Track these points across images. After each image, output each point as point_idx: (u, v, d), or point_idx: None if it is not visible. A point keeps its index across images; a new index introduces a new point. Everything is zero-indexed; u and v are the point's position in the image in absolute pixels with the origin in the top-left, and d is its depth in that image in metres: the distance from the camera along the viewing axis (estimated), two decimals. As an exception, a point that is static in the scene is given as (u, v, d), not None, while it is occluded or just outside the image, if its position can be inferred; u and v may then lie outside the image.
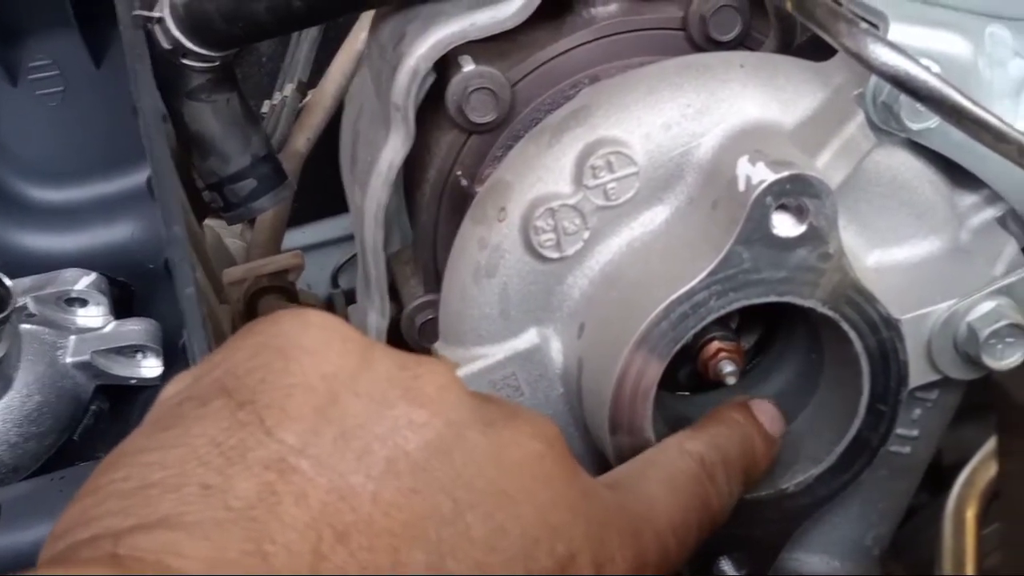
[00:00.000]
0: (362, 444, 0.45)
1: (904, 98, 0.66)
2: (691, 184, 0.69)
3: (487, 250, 0.70)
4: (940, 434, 0.76)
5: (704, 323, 0.66)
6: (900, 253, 0.71)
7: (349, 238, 1.50)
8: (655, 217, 0.70)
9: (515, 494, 0.48)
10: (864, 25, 0.63)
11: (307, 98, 1.40)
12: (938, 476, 0.79)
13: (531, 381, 0.72)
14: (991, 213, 0.72)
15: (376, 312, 0.83)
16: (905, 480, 0.76)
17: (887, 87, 0.66)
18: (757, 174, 0.64)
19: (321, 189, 1.27)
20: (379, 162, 0.79)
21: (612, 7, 0.80)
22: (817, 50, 0.72)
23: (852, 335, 0.67)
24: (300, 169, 1.41)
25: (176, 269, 0.85)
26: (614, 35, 0.79)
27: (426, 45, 0.75)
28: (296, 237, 1.57)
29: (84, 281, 1.00)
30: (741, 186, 0.65)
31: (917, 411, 0.74)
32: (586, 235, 0.69)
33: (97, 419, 1.02)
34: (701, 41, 0.78)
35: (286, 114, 1.37)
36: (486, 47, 0.78)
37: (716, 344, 0.70)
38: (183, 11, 0.84)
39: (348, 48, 1.35)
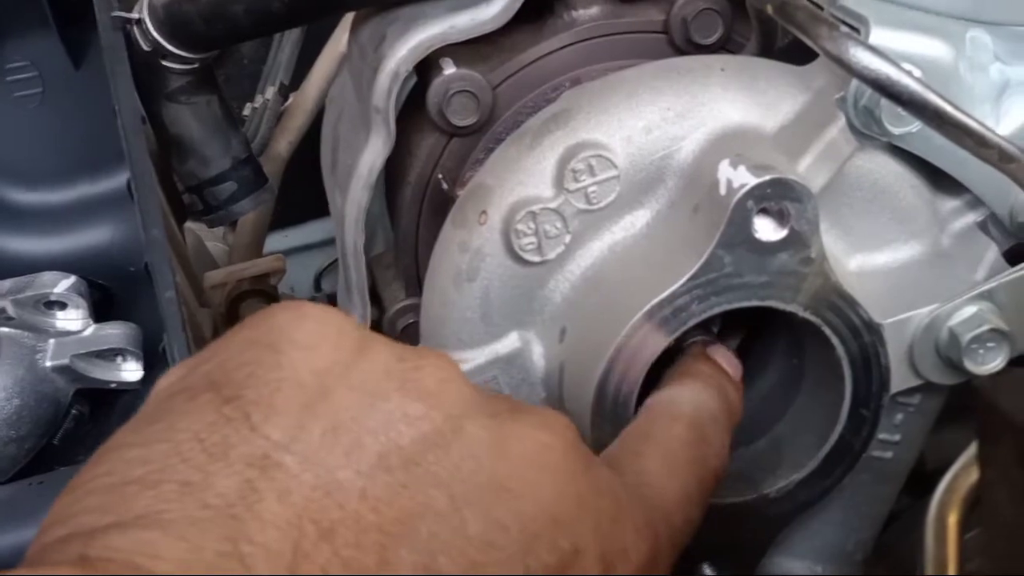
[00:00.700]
0: (352, 438, 0.44)
1: (885, 102, 0.66)
2: (672, 188, 0.69)
3: (468, 254, 0.70)
4: (922, 439, 0.76)
5: (685, 327, 0.66)
6: (882, 257, 0.71)
7: (332, 241, 1.49)
8: (636, 221, 0.70)
9: (516, 488, 0.46)
10: (845, 29, 0.63)
11: (289, 101, 1.40)
12: (921, 480, 0.79)
13: (513, 385, 0.71)
14: (972, 218, 0.72)
15: (357, 316, 0.83)
16: (887, 485, 0.76)
17: (868, 91, 0.66)
18: (738, 178, 0.64)
19: (304, 192, 1.26)
20: (359, 165, 0.78)
21: (593, 10, 0.79)
22: (799, 53, 0.71)
23: (834, 340, 0.67)
24: (282, 172, 1.40)
25: (156, 273, 0.85)
26: (595, 38, 0.78)
27: (406, 48, 0.75)
28: (279, 240, 1.56)
29: (63, 284, 0.99)
30: (722, 190, 0.65)
31: (899, 416, 0.74)
32: (567, 239, 0.69)
33: (77, 423, 1.01)
34: (683, 44, 0.78)
35: (268, 117, 1.37)
36: (467, 49, 0.78)
37: (698, 346, 0.70)
38: (162, 13, 0.83)
39: (330, 50, 1.34)
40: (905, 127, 0.67)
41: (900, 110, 0.66)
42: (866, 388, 0.68)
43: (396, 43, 0.76)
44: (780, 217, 0.65)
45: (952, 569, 0.57)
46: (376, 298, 0.85)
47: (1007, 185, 0.68)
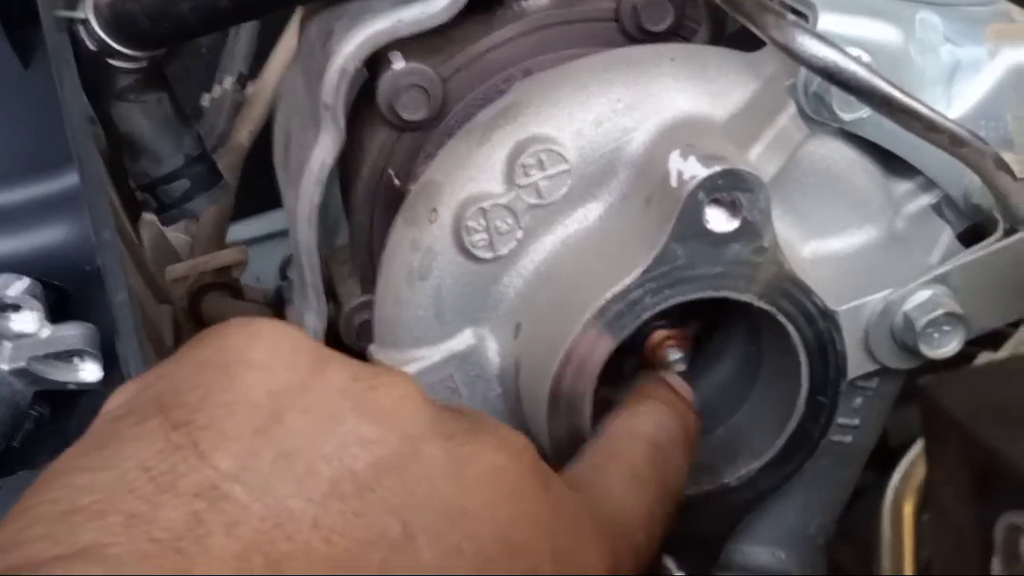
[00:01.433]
0: (305, 465, 0.44)
1: (835, 88, 0.65)
2: (624, 180, 0.68)
3: (419, 252, 0.69)
4: (882, 422, 0.76)
5: (641, 320, 0.65)
6: (836, 243, 0.71)
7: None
8: (589, 214, 0.69)
9: (474, 511, 0.46)
10: (791, 16, 0.62)
11: (248, 90, 1.38)
12: (884, 456, 0.78)
13: (468, 382, 0.71)
14: (926, 200, 0.71)
15: (313, 314, 0.82)
16: (847, 469, 0.76)
17: (818, 78, 0.65)
18: (689, 169, 0.64)
19: (266, 180, 1.24)
20: (310, 162, 0.77)
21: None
22: (751, 39, 0.71)
23: (789, 328, 0.67)
24: (243, 161, 1.39)
25: (107, 275, 0.84)
26: (546, 27, 0.77)
27: (353, 44, 0.74)
28: (242, 230, 1.55)
29: (17, 287, 0.97)
30: (673, 182, 0.64)
31: (858, 400, 0.74)
32: (519, 234, 0.68)
33: (37, 425, 1.00)
34: (634, 32, 0.77)
35: (227, 107, 1.35)
36: (417, 43, 0.76)
37: (661, 332, 0.69)
38: (107, 12, 0.82)
39: (288, 39, 1.32)
40: (855, 113, 0.67)
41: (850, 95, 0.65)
42: (823, 375, 0.68)
43: (343, 39, 0.75)
44: (732, 208, 0.64)
45: (908, 559, 0.57)
46: (333, 294, 0.85)
47: (960, 167, 0.68)
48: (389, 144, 0.78)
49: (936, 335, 0.67)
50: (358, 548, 0.43)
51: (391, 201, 0.78)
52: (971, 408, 0.41)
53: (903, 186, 0.71)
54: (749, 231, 0.64)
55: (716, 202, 0.64)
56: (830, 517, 0.78)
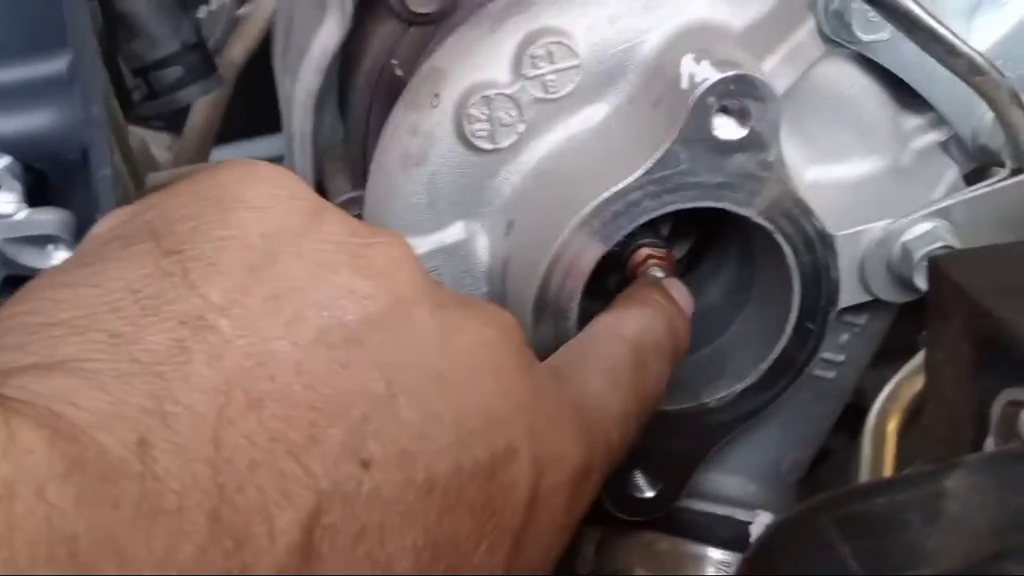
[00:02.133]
0: (294, 309, 0.43)
1: (856, 7, 0.64)
2: (633, 82, 0.67)
3: (418, 137, 0.68)
4: (866, 362, 0.75)
5: (637, 223, 0.64)
6: (840, 170, 0.70)
7: (282, 159, 1.46)
8: (594, 115, 0.68)
9: (456, 381, 0.45)
10: (820, -75, 0.61)
11: (246, 6, 1.36)
12: (861, 417, 0.78)
13: (456, 277, 0.69)
14: (935, 137, 0.70)
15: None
16: (827, 406, 0.75)
17: (840, -5, 0.65)
18: (701, 72, 0.63)
19: (257, 104, 1.22)
20: (312, 47, 0.75)
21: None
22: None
23: (786, 248, 0.66)
24: (235, 81, 1.36)
25: (92, 149, 0.82)
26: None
27: (367, -76, 0.72)
28: (227, 153, 1.53)
29: (-2, 163, 0.95)
30: (684, 84, 0.63)
31: (845, 336, 0.73)
32: (521, 128, 0.67)
33: (5, 312, 0.98)
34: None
35: (223, 21, 1.33)
36: (432, -65, 0.75)
37: (646, 251, 0.68)
38: None
39: (292, -43, 1.31)
40: (874, 35, 0.66)
41: (871, 16, 0.65)
42: (814, 301, 0.67)
43: (356, -80, 0.73)
44: (741, 116, 0.63)
45: (888, 473, 0.56)
46: (321, 190, 0.83)
47: (972, 105, 0.67)
48: (394, 37, 0.76)
49: (933, 268, 0.66)
50: (340, 398, 0.42)
51: (392, 94, 0.76)
52: (979, 283, 0.40)
53: (913, 120, 0.70)
54: (756, 142, 0.63)
55: (725, 109, 0.63)
56: (805, 454, 0.77)
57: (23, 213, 0.97)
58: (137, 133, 1.39)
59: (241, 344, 0.41)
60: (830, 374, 0.74)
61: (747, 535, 0.75)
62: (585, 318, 0.67)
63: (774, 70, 0.66)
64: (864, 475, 0.57)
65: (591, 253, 0.64)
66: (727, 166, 0.64)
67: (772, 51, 0.66)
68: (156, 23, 0.89)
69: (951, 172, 0.69)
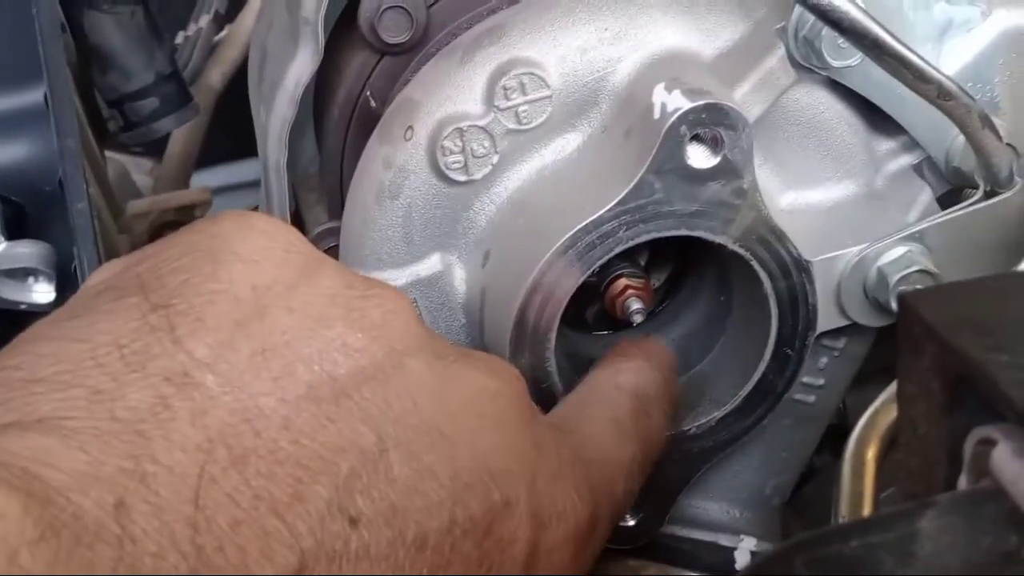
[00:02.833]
0: (283, 364, 0.42)
1: (826, 33, 0.65)
2: (605, 111, 0.67)
3: (392, 170, 0.67)
4: (845, 385, 0.75)
5: (612, 254, 0.64)
6: (814, 195, 0.70)
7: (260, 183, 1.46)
8: (567, 144, 0.68)
9: (453, 434, 0.44)
10: (788, -47, 0.61)
11: (224, 31, 1.36)
12: (842, 437, 0.78)
13: (432, 309, 0.69)
14: (908, 160, 0.71)
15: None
16: (808, 430, 0.75)
17: (809, 21, 0.65)
18: (672, 102, 0.63)
19: (235, 128, 1.22)
20: (286, 78, 0.75)
21: (535, -71, 0.77)
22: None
23: (762, 275, 0.66)
24: (213, 105, 1.36)
25: (68, 182, 0.82)
26: (536, -40, 0.76)
27: (337, -43, 0.72)
28: (206, 177, 1.52)
29: (-26, 198, 0.95)
30: (656, 114, 0.63)
31: (824, 360, 0.73)
32: (495, 159, 0.67)
33: (-15, 345, 0.97)
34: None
35: (200, 46, 1.33)
36: (402, -35, 0.75)
37: (624, 281, 0.68)
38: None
39: (269, -19, 1.31)
40: (845, 60, 0.66)
41: (840, 42, 0.65)
42: (792, 327, 0.67)
43: (327, -47, 0.73)
44: (713, 144, 0.63)
45: (868, 503, 0.56)
46: (299, 221, 0.83)
47: (944, 128, 0.67)
48: (368, 67, 0.76)
49: (909, 292, 0.66)
50: (327, 453, 0.41)
51: (366, 125, 0.76)
52: (949, 320, 0.40)
53: (885, 144, 0.70)
54: (729, 170, 0.63)
55: (698, 138, 0.63)
56: (787, 478, 0.77)
57: (2, 246, 0.97)
58: (117, 159, 1.39)
59: (226, 400, 0.40)
60: (810, 398, 0.74)
61: (732, 560, 0.75)
62: (563, 348, 0.67)
63: (745, 97, 0.66)
64: (844, 503, 0.57)
65: (567, 284, 0.64)
66: (701, 194, 0.64)
67: (743, 79, 0.66)
68: (130, 55, 0.89)
69: (925, 195, 0.70)
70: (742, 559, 0.75)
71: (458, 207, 0.68)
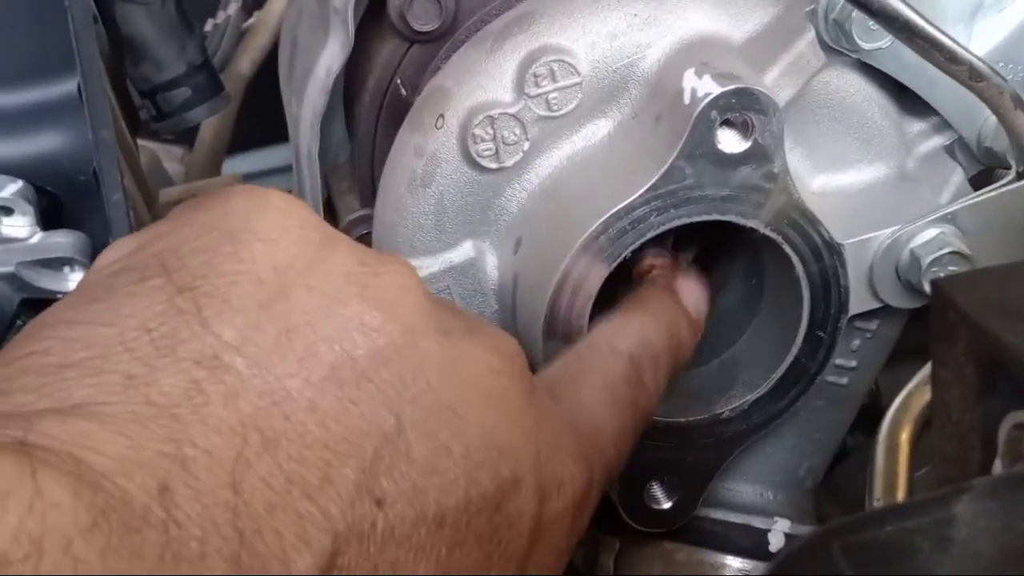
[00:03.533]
0: (306, 344, 0.42)
1: (856, 16, 0.64)
2: (635, 97, 0.67)
3: (423, 159, 0.68)
4: (878, 367, 0.75)
5: (644, 239, 0.64)
6: (845, 178, 0.70)
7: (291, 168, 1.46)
8: (598, 130, 0.68)
9: (463, 412, 0.45)
10: (818, -64, 0.61)
11: (252, 18, 1.36)
12: (876, 417, 0.78)
13: (465, 296, 0.70)
14: (939, 141, 0.70)
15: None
16: (841, 412, 0.76)
17: (839, 3, 0.65)
18: (703, 87, 0.63)
19: (265, 115, 1.23)
20: (316, 68, 0.76)
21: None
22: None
23: (794, 259, 0.66)
24: (243, 92, 1.37)
25: (103, 174, 0.83)
26: (565, -55, 0.76)
27: (367, -54, 0.72)
28: (238, 164, 1.53)
29: (10, 188, 0.95)
30: (686, 99, 0.63)
31: (856, 341, 0.73)
32: (526, 146, 0.67)
33: (22, 335, 0.98)
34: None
35: (229, 33, 1.33)
36: (431, -47, 0.75)
37: (650, 261, 0.68)
38: (116, -95, 0.80)
39: (296, -32, 1.31)
40: (875, 42, 0.66)
41: (871, 24, 0.64)
42: (824, 310, 0.67)
43: (356, -58, 0.73)
44: (744, 129, 0.63)
45: (902, 485, 0.56)
46: (331, 209, 0.83)
47: (975, 108, 0.67)
48: (398, 55, 0.77)
49: (941, 273, 0.66)
50: (352, 436, 0.42)
51: (396, 113, 0.77)
52: (982, 305, 0.40)
53: (917, 125, 0.70)
54: (760, 154, 0.63)
55: (728, 122, 0.63)
56: (820, 460, 0.77)
57: (37, 236, 0.98)
58: (148, 147, 1.40)
59: (256, 383, 0.41)
60: (843, 380, 0.74)
61: (765, 543, 0.75)
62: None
63: (776, 81, 0.66)
64: (878, 486, 0.57)
65: (598, 271, 0.65)
66: (732, 179, 0.64)
67: (773, 62, 0.66)
68: (162, 46, 0.89)
69: (957, 176, 0.69)
70: (776, 541, 0.75)
71: (490, 194, 0.68)
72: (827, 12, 0.65)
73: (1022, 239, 0.67)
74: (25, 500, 0.34)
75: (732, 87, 0.62)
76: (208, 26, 1.37)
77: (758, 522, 0.76)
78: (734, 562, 0.75)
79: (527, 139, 0.67)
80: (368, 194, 0.80)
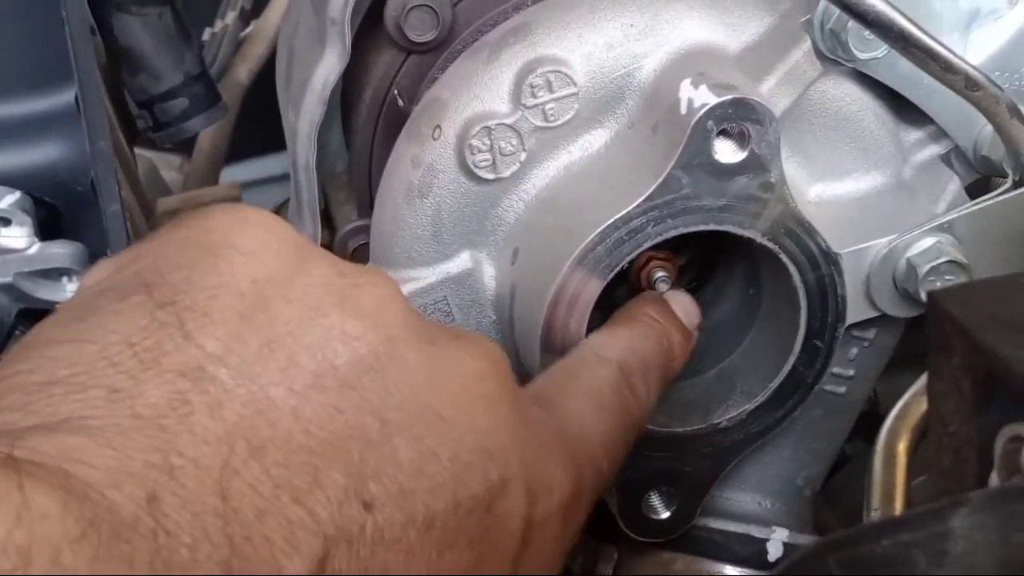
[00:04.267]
0: (288, 354, 0.43)
1: (852, 25, 0.65)
2: (632, 107, 0.67)
3: (420, 169, 0.68)
4: (876, 375, 0.75)
5: (640, 250, 0.64)
6: (842, 187, 0.70)
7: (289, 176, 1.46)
8: (594, 141, 0.68)
9: (450, 416, 0.45)
10: (813, -54, 0.61)
11: (250, 28, 1.37)
12: (874, 424, 0.78)
13: (463, 307, 0.70)
14: (936, 150, 0.70)
15: (308, 235, 0.80)
16: (839, 421, 0.76)
17: (835, 13, 0.65)
18: (699, 97, 0.63)
19: (263, 123, 1.23)
20: (313, 79, 0.76)
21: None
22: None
23: (791, 268, 0.66)
24: (241, 101, 1.37)
25: (101, 185, 0.83)
26: (560, -44, 0.76)
27: (363, -42, 0.73)
28: (235, 172, 1.53)
29: (8, 199, 0.96)
30: (683, 109, 0.63)
31: (854, 350, 0.73)
32: (523, 156, 0.67)
33: (20, 346, 0.98)
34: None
35: (227, 43, 1.34)
36: (428, -36, 0.75)
37: (647, 254, 0.68)
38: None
39: (293, -23, 1.31)
40: (871, 52, 0.66)
41: (866, 34, 0.65)
42: (821, 319, 0.67)
43: (353, -47, 0.73)
44: (740, 139, 0.63)
45: (899, 496, 0.56)
46: (328, 219, 0.83)
47: (972, 117, 0.67)
48: (395, 66, 0.77)
49: (938, 283, 0.66)
50: (338, 441, 0.42)
51: (394, 124, 0.77)
52: (978, 317, 0.40)
53: (913, 134, 0.70)
54: (756, 164, 0.64)
55: (725, 133, 0.63)
56: (819, 469, 0.77)
57: (35, 247, 0.98)
58: (146, 156, 1.40)
59: (240, 393, 0.41)
60: (841, 389, 0.74)
61: (764, 552, 0.75)
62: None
63: (772, 91, 0.66)
64: (876, 496, 0.57)
65: (596, 281, 0.65)
66: (729, 189, 0.64)
67: (769, 72, 0.66)
68: (159, 57, 0.89)
69: (953, 184, 0.69)
70: (774, 550, 0.75)
71: (487, 205, 0.68)
72: (823, 22, 0.66)
73: (1019, 247, 0.67)
74: (12, 512, 0.34)
75: (728, 97, 0.62)
76: (206, 35, 1.37)
77: (756, 531, 0.76)
78: (732, 571, 0.75)
79: (524, 150, 0.67)
80: (365, 204, 0.81)
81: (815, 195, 0.70)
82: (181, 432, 0.39)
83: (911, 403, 0.59)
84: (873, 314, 0.69)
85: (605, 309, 0.67)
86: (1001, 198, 0.67)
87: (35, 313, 0.98)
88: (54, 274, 0.96)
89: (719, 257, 0.74)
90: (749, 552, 0.75)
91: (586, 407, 0.55)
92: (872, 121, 0.69)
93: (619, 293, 0.70)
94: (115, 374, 0.41)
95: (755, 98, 0.62)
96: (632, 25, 0.66)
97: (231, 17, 1.35)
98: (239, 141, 1.43)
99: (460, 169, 0.67)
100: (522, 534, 0.47)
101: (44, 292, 0.97)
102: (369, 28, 0.79)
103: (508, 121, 0.66)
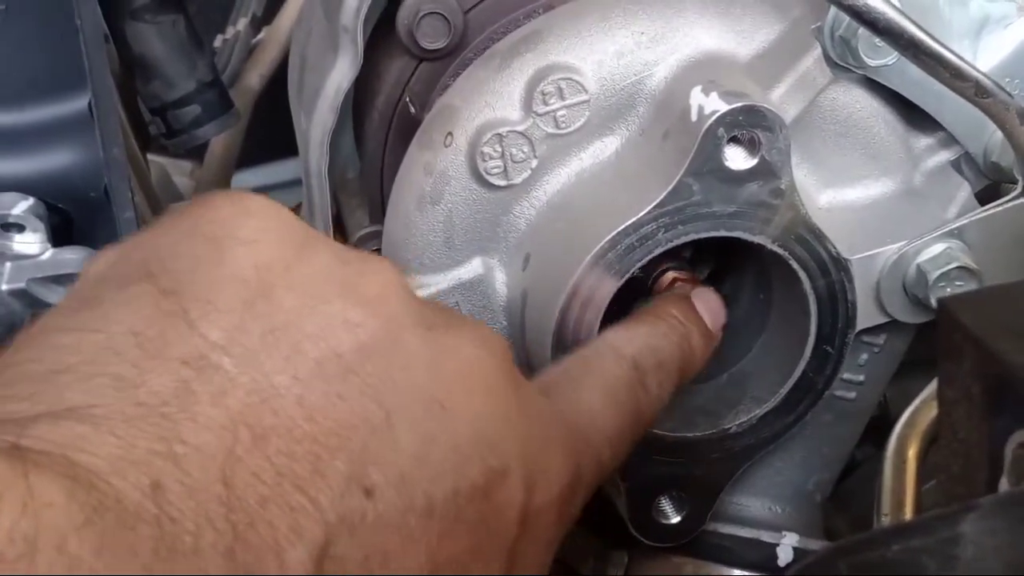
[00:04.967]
0: (292, 342, 0.43)
1: (862, 32, 0.65)
2: (643, 115, 0.68)
3: (432, 176, 0.68)
4: (886, 381, 0.75)
5: (651, 256, 0.65)
6: (852, 193, 0.70)
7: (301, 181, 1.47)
8: (605, 148, 0.68)
9: (450, 404, 0.46)
10: (823, -46, 0.61)
11: (261, 34, 1.37)
12: (884, 429, 0.78)
13: (474, 313, 0.70)
14: (946, 156, 0.71)
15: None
16: (849, 426, 0.76)
17: (845, 21, 0.65)
18: (710, 104, 0.63)
19: (274, 129, 1.23)
20: (326, 86, 0.76)
21: (570, -67, 0.77)
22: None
23: (801, 274, 0.66)
24: (252, 107, 1.37)
25: (114, 192, 0.83)
26: (571, -37, 0.76)
27: (374, -34, 0.73)
28: (247, 178, 1.54)
29: (22, 206, 0.96)
30: (693, 116, 0.64)
31: (864, 356, 0.73)
32: (534, 163, 0.68)
33: (33, 350, 0.99)
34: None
35: (239, 49, 1.34)
36: (439, -29, 0.75)
37: (672, 274, 0.69)
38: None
39: (305, -16, 1.32)
40: (881, 59, 0.66)
41: (877, 41, 0.65)
42: (831, 324, 0.68)
43: (365, -39, 0.74)
44: (751, 146, 0.64)
45: (909, 502, 0.56)
46: (340, 225, 0.84)
47: (982, 123, 0.67)
48: (407, 73, 0.77)
49: (948, 289, 0.66)
50: (341, 429, 0.42)
51: (405, 130, 0.77)
52: (988, 324, 0.40)
53: (923, 141, 0.71)
54: (767, 171, 0.64)
55: (735, 139, 0.63)
56: (829, 474, 0.78)
57: (48, 253, 0.99)
58: (158, 162, 1.41)
59: (244, 381, 0.42)
60: (851, 394, 0.74)
61: (774, 557, 0.75)
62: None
63: (782, 98, 0.66)
64: (886, 502, 0.58)
65: (607, 287, 0.65)
66: (739, 195, 0.64)
67: (780, 79, 0.66)
68: (172, 64, 0.90)
69: (963, 191, 0.70)
70: (784, 555, 0.75)
71: (498, 211, 0.69)
72: (833, 29, 0.66)
73: (1029, 254, 0.67)
74: (18, 501, 0.35)
75: (739, 104, 0.62)
76: (218, 42, 1.38)
77: (766, 536, 0.76)
78: (742, 576, 0.76)
79: (535, 156, 0.67)
80: (377, 210, 0.81)
81: (825, 201, 0.70)
82: (185, 420, 0.40)
83: (921, 409, 0.60)
84: (883, 320, 0.70)
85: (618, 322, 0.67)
86: (1011, 204, 0.67)
87: (48, 318, 0.98)
88: (67, 280, 0.97)
89: (730, 263, 0.74)
90: (759, 557, 0.76)
91: (596, 400, 0.55)
92: (882, 128, 0.69)
93: (637, 307, 0.70)
94: (120, 363, 0.41)
95: (766, 105, 0.63)
96: (643, 33, 0.67)
97: (243, 23, 1.35)
98: (251, 147, 1.43)
99: (472, 176, 0.68)
100: (519, 522, 0.47)
101: (57, 298, 0.97)
102: (381, 35, 0.79)
103: (520, 128, 0.67)
